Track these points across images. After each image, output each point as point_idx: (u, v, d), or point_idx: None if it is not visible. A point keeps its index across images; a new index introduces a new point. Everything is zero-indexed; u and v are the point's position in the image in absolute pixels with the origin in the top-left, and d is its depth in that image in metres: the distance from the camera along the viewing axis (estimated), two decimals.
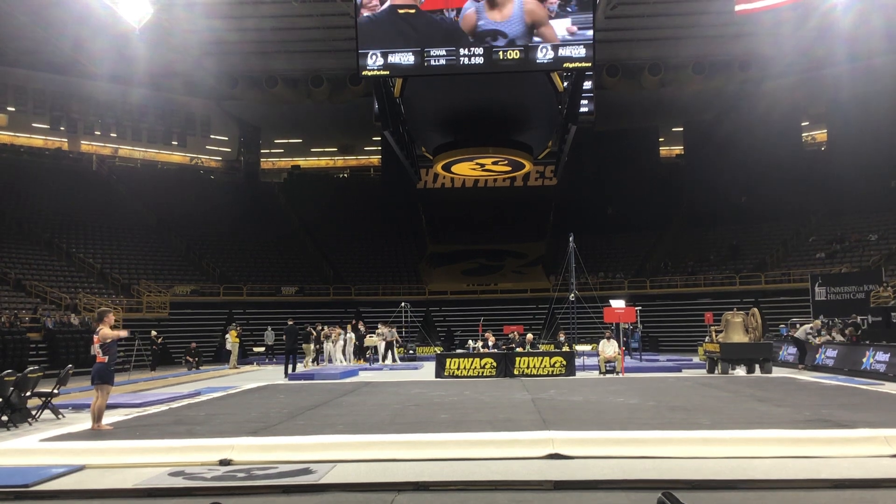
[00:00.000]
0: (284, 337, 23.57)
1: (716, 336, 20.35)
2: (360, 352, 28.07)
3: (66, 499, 6.71)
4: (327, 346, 26.83)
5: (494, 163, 29.39)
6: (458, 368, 18.99)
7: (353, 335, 27.74)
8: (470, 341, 25.93)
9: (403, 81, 24.06)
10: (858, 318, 22.41)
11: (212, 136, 49.47)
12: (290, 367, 22.49)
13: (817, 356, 21.17)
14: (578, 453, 7.87)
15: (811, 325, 21.90)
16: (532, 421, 9.74)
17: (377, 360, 27.04)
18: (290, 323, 23.67)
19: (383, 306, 35.25)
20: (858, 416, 9.46)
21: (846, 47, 32.44)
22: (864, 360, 18.40)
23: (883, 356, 17.58)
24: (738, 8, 26.46)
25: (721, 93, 40.09)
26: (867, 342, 19.47)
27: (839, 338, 21.46)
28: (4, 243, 32.22)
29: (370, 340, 27.26)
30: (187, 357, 27.02)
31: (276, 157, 55.91)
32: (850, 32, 30.35)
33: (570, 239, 24.30)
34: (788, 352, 23.02)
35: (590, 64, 19.79)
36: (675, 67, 36.92)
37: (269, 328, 31.65)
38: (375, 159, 53.11)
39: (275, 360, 29.84)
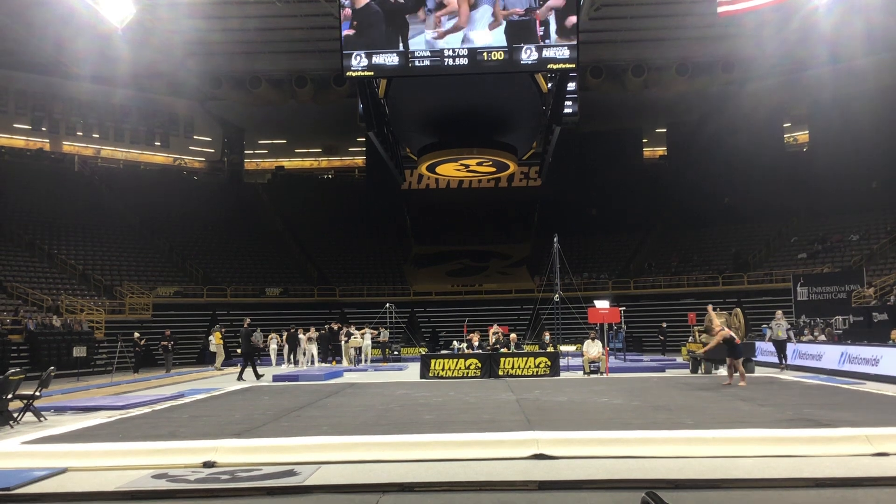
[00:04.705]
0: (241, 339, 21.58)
1: (699, 336, 20.44)
2: (325, 352, 27.99)
3: (49, 502, 6.65)
4: (309, 347, 26.80)
5: (479, 163, 29.47)
6: (442, 369, 19.00)
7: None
8: (454, 342, 25.94)
9: (388, 82, 24.06)
10: (839, 317, 22.49)
11: (195, 137, 49.16)
12: (244, 370, 20.48)
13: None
14: (563, 453, 7.89)
15: (774, 320, 21.79)
16: (517, 421, 9.75)
17: (360, 361, 27.03)
18: (246, 326, 21.86)
19: (368, 307, 35.17)
20: (840, 416, 9.53)
21: (827, 49, 32.72)
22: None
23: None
24: (720, 10, 26.60)
25: (704, 94, 40.33)
26: (849, 342, 19.64)
27: (821, 337, 21.62)
28: None
29: (355, 342, 27.22)
30: (162, 343, 26.53)
31: (261, 158, 55.69)
32: (832, 35, 30.60)
33: (555, 239, 24.33)
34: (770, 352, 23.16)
35: (574, 65, 19.84)
36: (658, 69, 37.07)
37: (258, 329, 31.37)
38: (360, 160, 53.01)
39: (259, 361, 29.62)
